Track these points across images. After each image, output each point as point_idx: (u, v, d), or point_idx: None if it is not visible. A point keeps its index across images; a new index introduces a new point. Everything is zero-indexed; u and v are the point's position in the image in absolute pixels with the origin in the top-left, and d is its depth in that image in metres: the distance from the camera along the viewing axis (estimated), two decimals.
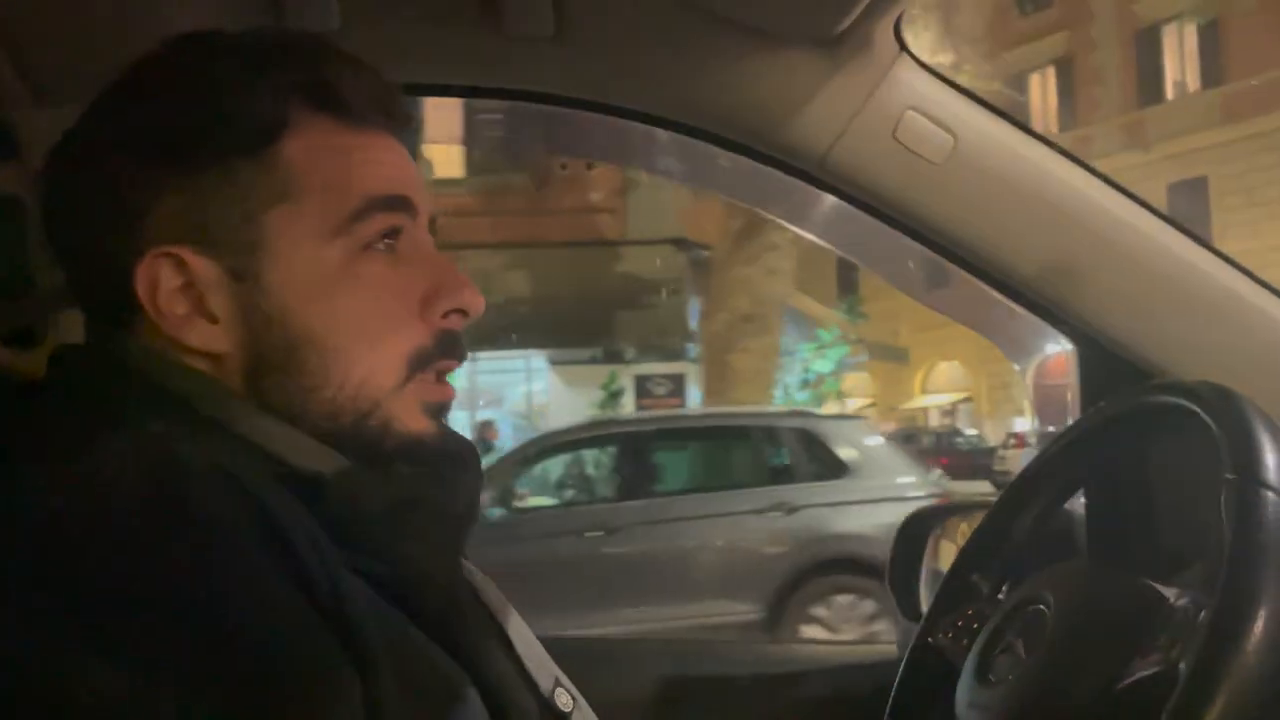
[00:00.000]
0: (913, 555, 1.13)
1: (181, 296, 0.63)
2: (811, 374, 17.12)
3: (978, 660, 0.81)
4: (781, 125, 1.00)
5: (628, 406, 16.48)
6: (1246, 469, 0.67)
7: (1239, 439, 0.68)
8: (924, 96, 0.98)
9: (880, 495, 6.19)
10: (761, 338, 8.94)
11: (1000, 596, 0.90)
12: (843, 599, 6.06)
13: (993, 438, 22.15)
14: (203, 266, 0.62)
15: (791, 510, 6.20)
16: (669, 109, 1.03)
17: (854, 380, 28.21)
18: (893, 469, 6.52)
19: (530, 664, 0.73)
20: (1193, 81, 20.67)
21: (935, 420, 26.42)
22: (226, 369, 0.63)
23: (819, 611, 6.02)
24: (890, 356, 21.74)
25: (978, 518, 1.00)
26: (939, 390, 26.63)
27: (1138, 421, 0.86)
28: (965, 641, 0.87)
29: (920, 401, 26.76)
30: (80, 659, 0.49)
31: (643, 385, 17.04)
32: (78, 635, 0.49)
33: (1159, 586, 0.72)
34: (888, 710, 0.93)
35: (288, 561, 0.55)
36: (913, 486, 6.37)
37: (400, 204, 0.66)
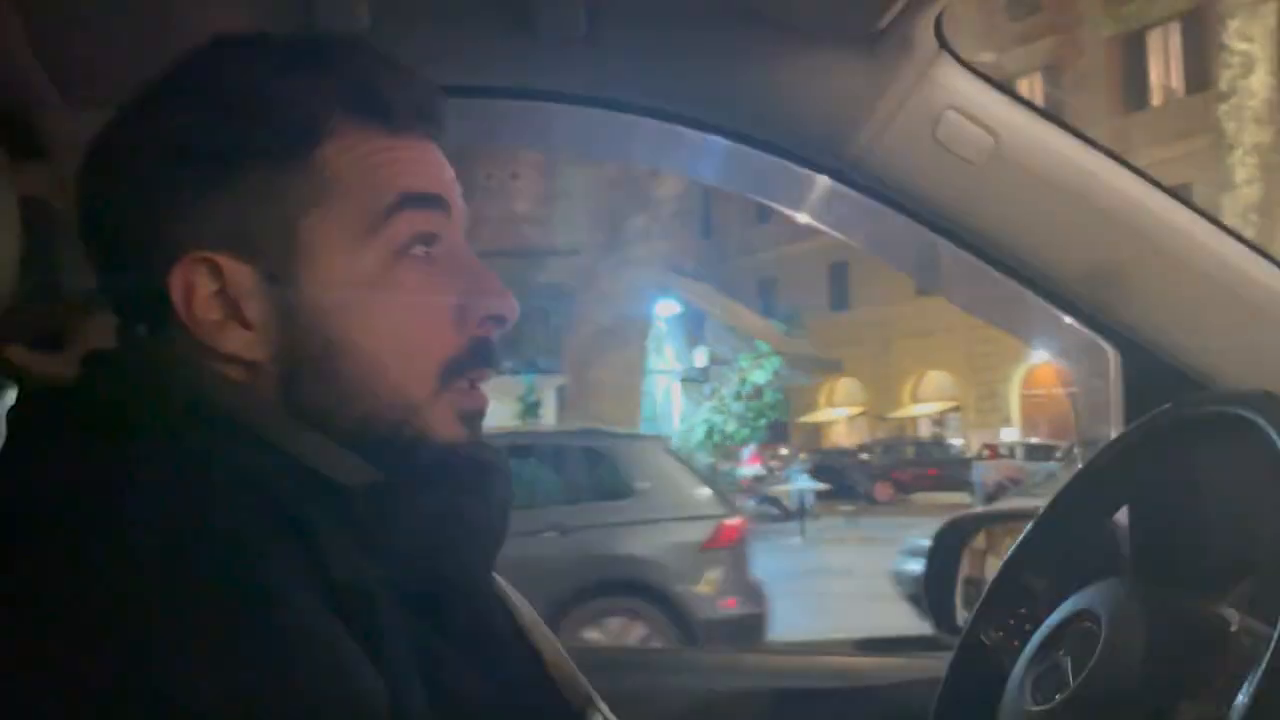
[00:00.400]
0: (947, 566, 1.11)
1: (216, 302, 0.61)
2: (748, 385, 16.94)
3: (1024, 675, 0.80)
4: (818, 126, 0.99)
5: (548, 418, 16.40)
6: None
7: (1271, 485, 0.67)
8: (964, 95, 0.97)
9: (664, 516, 6.15)
10: (623, 351, 8.91)
11: (1052, 598, 0.89)
12: (615, 622, 6.01)
13: (976, 448, 22.26)
14: (238, 271, 0.61)
15: (565, 532, 6.10)
16: (703, 110, 1.02)
17: (844, 389, 28.37)
18: (683, 490, 6.43)
19: (561, 681, 0.71)
20: (1177, 87, 20.78)
21: (925, 429, 26.55)
22: (261, 376, 0.62)
23: (591, 635, 5.92)
24: (822, 368, 21.57)
25: (1014, 528, 0.99)
26: (928, 399, 26.77)
27: (1195, 430, 0.84)
28: (1015, 642, 0.86)
29: (910, 411, 26.89)
30: (99, 664, 0.48)
31: (563, 396, 16.94)
32: (98, 640, 0.49)
33: (1210, 610, 0.71)
34: (934, 705, 0.91)
35: (317, 574, 0.54)
36: (703, 506, 6.28)
37: (433, 202, 0.65)
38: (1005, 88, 0.97)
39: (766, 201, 1.16)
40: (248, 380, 0.62)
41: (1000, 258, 1.00)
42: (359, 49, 0.65)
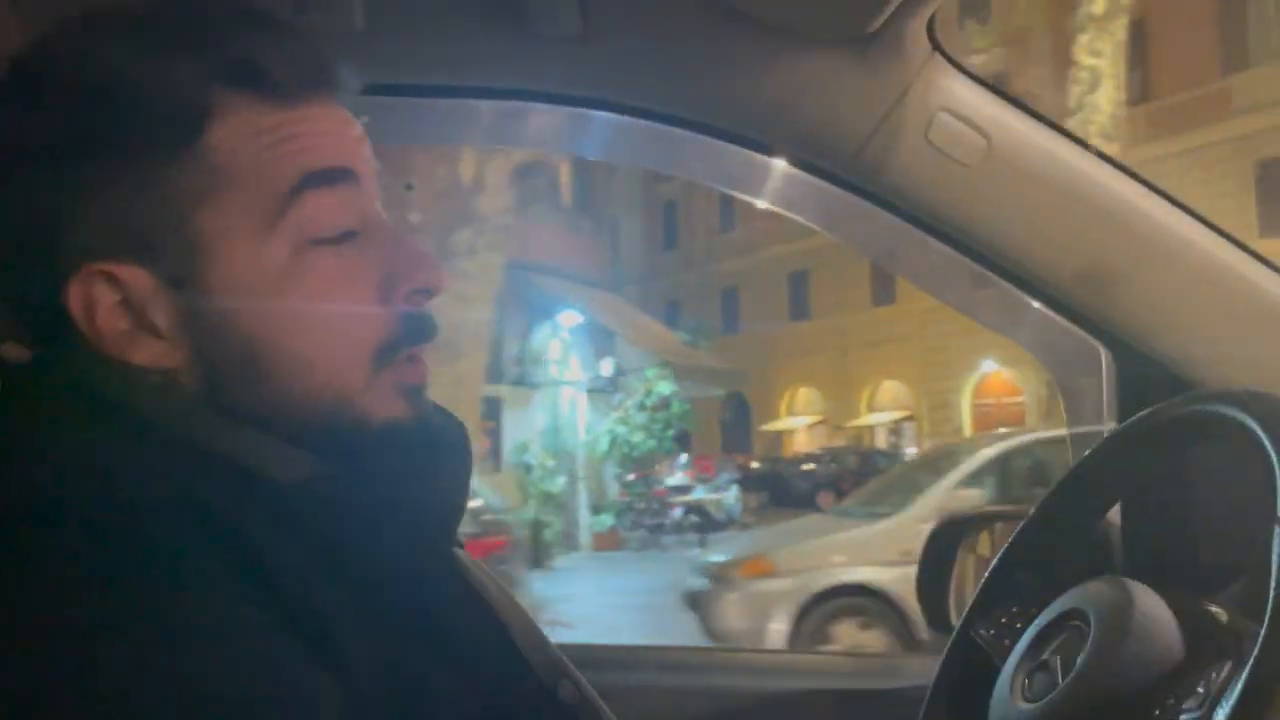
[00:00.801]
0: (941, 565, 1.11)
1: (121, 312, 0.57)
2: (654, 396, 16.72)
3: (1014, 673, 0.80)
4: (811, 127, 0.99)
5: None
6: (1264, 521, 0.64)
7: (1260, 485, 0.66)
8: (957, 97, 0.97)
9: None
10: (454, 365, 8.94)
11: (1043, 597, 0.89)
12: None
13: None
14: (138, 278, 0.57)
15: None
16: (697, 110, 1.01)
17: (805, 398, 28.52)
18: None
19: (531, 656, 0.69)
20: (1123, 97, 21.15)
21: (883, 438, 26.78)
22: (182, 382, 0.58)
23: None
24: (724, 381, 21.54)
25: (1009, 527, 0.99)
26: (884, 409, 27.00)
27: (1185, 430, 0.84)
28: (1007, 641, 0.85)
29: (866, 420, 27.10)
30: (29, 675, 0.46)
31: None
32: (30, 653, 0.47)
33: (1201, 609, 0.71)
34: (926, 702, 0.91)
35: (255, 581, 0.52)
36: None
37: (339, 176, 0.60)
38: (998, 90, 0.98)
39: (759, 202, 1.16)
40: (168, 389, 0.58)
41: (994, 260, 1.00)
42: (231, 17, 0.60)
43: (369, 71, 0.94)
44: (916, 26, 0.95)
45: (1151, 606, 0.74)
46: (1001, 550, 0.95)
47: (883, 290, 24.70)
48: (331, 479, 0.59)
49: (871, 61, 0.96)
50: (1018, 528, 0.94)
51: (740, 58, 0.97)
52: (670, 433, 17.10)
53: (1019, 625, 0.85)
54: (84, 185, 0.57)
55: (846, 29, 0.95)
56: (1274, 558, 0.63)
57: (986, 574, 0.94)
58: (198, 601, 0.50)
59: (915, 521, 7.09)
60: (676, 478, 17.38)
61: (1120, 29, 9.94)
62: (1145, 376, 0.99)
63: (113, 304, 0.57)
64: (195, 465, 0.56)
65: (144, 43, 0.58)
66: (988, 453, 7.69)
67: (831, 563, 6.84)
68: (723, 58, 0.98)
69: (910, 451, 24.19)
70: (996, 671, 0.82)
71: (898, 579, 6.72)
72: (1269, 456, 0.68)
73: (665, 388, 16.69)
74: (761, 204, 1.13)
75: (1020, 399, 20.65)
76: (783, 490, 20.91)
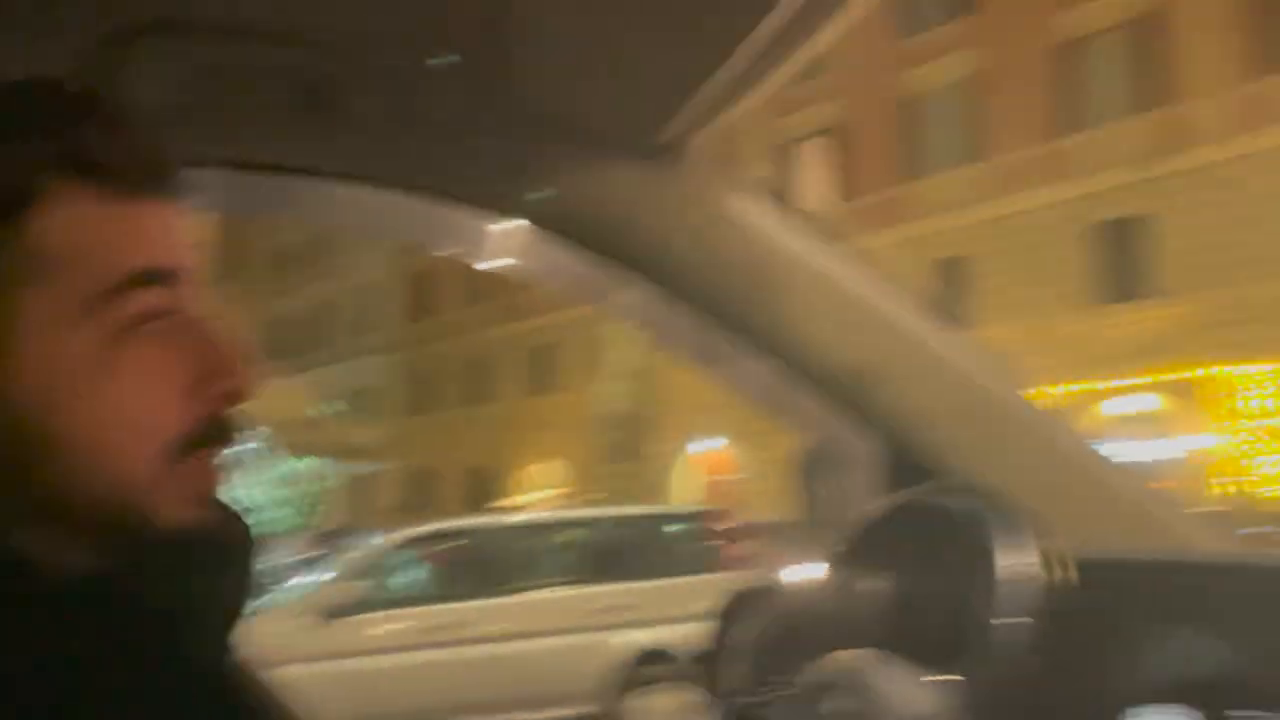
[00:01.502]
0: (729, 636, 1.16)
1: None
2: (283, 470, 16.29)
3: None
4: (605, 226, 1.06)
5: None
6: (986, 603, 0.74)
7: (984, 571, 0.77)
8: (740, 206, 1.06)
9: None
10: None
11: (804, 668, 0.96)
12: None
13: None
14: None
15: None
16: (495, 202, 1.07)
17: (545, 471, 28.50)
18: None
19: None
20: (825, 195, 22.00)
21: None
22: None
23: None
24: (364, 456, 21.19)
25: (796, 599, 1.07)
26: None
27: (920, 518, 0.94)
28: (771, 709, 0.93)
29: (600, 494, 27.34)
30: None
31: None
32: None
33: (937, 680, 0.80)
34: None
35: (18, 677, 0.51)
36: None
37: (164, 276, 0.59)
38: (781, 199, 1.08)
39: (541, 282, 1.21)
40: None
41: (779, 353, 1.08)
42: (75, 104, 0.59)
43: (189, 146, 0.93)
44: (701, 140, 1.05)
45: (890, 678, 0.83)
46: (777, 621, 1.02)
47: None
48: (108, 578, 0.57)
49: (662, 169, 1.05)
50: (784, 603, 1.02)
51: (546, 158, 1.04)
52: (320, 508, 16.17)
53: (781, 694, 0.92)
54: None
55: (638, 139, 1.04)
56: (989, 635, 0.73)
57: (763, 644, 1.02)
58: None
59: None
60: (315, 552, 16.75)
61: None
62: (898, 462, 1.08)
63: None
64: None
65: None
66: None
67: None
68: (530, 157, 1.04)
69: None
70: None
71: None
72: (981, 544, 0.79)
73: (296, 462, 15.78)
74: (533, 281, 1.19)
75: (740, 476, 20.79)
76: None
